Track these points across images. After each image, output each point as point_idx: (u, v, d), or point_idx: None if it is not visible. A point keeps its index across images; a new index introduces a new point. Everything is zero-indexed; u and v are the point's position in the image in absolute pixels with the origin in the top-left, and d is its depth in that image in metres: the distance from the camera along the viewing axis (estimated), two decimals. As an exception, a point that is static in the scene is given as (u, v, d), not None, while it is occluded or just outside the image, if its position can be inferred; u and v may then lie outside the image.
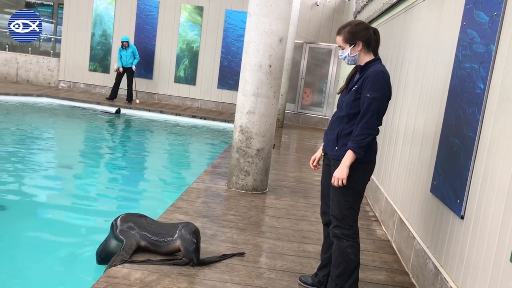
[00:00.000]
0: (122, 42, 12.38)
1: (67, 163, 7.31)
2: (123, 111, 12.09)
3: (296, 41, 12.30)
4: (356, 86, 2.89)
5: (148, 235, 3.46)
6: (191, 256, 3.33)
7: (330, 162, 3.04)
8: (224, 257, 3.56)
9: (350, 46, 2.92)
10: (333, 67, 13.31)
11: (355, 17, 9.74)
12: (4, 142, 7.97)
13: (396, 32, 5.51)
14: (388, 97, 2.86)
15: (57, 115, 11.23)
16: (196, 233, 3.43)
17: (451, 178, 3.00)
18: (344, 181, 2.80)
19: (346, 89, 3.04)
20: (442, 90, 3.38)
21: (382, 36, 6.55)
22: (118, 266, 3.19)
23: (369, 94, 2.77)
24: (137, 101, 13.03)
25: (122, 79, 12.70)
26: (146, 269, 3.20)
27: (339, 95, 3.14)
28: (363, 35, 2.91)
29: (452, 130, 3.07)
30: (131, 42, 13.38)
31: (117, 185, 6.65)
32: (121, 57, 12.46)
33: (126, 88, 12.75)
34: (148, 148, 9.51)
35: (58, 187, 6.19)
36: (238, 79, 5.63)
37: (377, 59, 2.95)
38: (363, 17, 8.13)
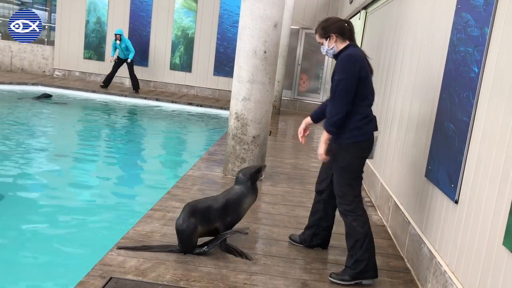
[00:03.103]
0: (115, 34, 12.22)
1: (61, 151, 7.29)
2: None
3: (292, 27, 12.21)
4: (332, 73, 3.17)
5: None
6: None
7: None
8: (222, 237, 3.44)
9: (326, 40, 3.21)
10: (329, 53, 13.21)
11: (351, 2, 9.66)
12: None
13: (391, 17, 5.47)
14: (358, 76, 3.00)
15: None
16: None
17: (445, 163, 2.99)
18: (323, 156, 3.15)
19: None
20: (437, 74, 3.36)
21: (378, 21, 6.45)
22: (114, 253, 3.19)
23: (336, 77, 3.03)
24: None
25: (119, 69, 12.61)
26: (141, 257, 3.20)
27: None
28: (334, 27, 3.18)
29: (447, 114, 3.05)
30: (125, 29, 13.27)
31: (112, 173, 6.63)
32: (115, 49, 12.37)
33: (130, 78, 12.67)
34: (143, 136, 9.48)
35: (53, 175, 6.18)
36: (234, 65, 5.59)
37: (349, 45, 3.17)
38: (359, 1, 8.06)
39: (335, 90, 3.01)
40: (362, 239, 3.13)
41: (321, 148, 3.14)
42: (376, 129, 3.24)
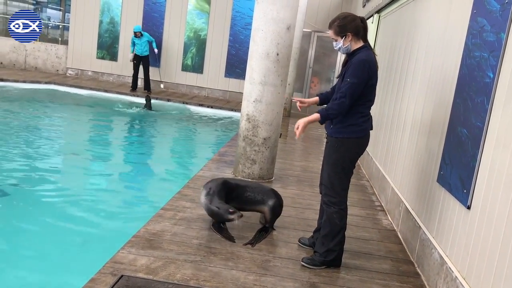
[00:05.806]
0: (135, 32, 12.18)
1: (73, 151, 7.37)
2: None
3: (304, 29, 12.20)
4: (344, 72, 3.23)
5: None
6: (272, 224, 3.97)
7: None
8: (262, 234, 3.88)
9: (341, 38, 3.22)
10: (341, 56, 13.20)
11: (364, 6, 9.64)
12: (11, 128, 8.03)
13: (405, 21, 5.45)
14: (368, 81, 3.13)
15: (73, 103, 11.27)
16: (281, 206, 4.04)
17: (458, 168, 2.98)
18: (300, 130, 3.18)
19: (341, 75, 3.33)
20: (451, 79, 3.34)
21: (391, 25, 6.44)
22: (125, 251, 3.22)
23: (349, 79, 3.11)
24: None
25: (139, 68, 12.67)
26: (152, 255, 3.22)
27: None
28: (351, 26, 3.20)
29: (460, 119, 3.04)
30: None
31: (124, 172, 6.68)
32: (134, 44, 12.38)
33: (144, 77, 12.73)
34: (154, 136, 9.53)
35: (64, 174, 6.24)
36: (246, 67, 5.60)
37: (364, 47, 3.22)
38: (372, 5, 8.04)
39: (345, 92, 3.11)
40: (337, 231, 3.32)
41: (302, 122, 3.18)
42: (371, 128, 3.37)
